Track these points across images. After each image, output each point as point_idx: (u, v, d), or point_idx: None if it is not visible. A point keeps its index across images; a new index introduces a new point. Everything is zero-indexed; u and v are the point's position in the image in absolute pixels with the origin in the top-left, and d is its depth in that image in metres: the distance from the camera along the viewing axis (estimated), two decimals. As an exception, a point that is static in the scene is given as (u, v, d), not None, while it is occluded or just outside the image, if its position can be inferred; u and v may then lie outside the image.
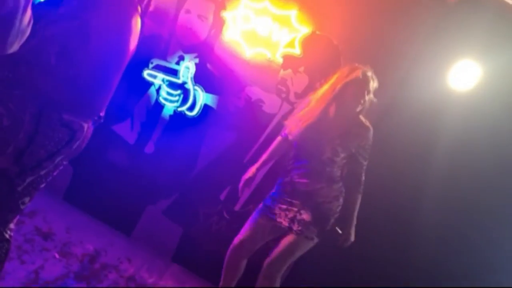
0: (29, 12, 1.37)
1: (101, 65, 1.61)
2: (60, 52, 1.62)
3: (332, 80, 2.79)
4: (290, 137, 2.85)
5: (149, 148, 3.72)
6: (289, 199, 2.81)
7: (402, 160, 3.28)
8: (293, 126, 2.83)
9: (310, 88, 3.34)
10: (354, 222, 2.86)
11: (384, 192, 3.28)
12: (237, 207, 3.58)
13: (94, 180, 3.79)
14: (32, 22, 1.62)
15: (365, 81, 2.70)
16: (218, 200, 3.62)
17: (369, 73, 2.72)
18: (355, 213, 2.85)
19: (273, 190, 2.93)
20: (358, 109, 2.73)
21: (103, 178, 3.78)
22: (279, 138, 3.00)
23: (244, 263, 2.91)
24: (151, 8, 3.43)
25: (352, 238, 2.86)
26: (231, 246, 2.90)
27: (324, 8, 3.39)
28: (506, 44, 3.11)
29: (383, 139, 3.05)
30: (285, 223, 2.77)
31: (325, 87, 2.82)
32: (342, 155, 2.74)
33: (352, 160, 2.80)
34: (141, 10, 1.76)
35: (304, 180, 2.77)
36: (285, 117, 3.32)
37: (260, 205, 2.93)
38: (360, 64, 2.78)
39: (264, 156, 2.99)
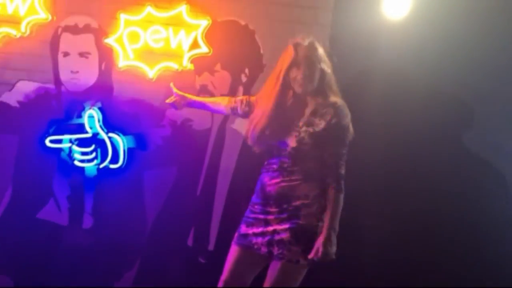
0: None
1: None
2: None
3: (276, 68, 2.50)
4: (249, 143, 2.53)
5: (87, 222, 3.29)
6: (263, 216, 2.44)
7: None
8: (248, 130, 2.51)
9: (237, 83, 3.20)
10: (334, 229, 2.30)
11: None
12: (211, 247, 3.21)
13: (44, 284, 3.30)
14: None
15: (304, 57, 2.38)
16: (186, 247, 3.19)
17: (306, 43, 2.40)
18: (336, 217, 2.30)
19: (247, 214, 2.54)
20: (310, 88, 2.39)
21: (52, 277, 3.27)
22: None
23: None
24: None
25: (330, 251, 2.27)
26: None
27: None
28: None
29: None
30: (264, 249, 2.39)
31: (270, 78, 2.52)
32: (310, 141, 2.36)
33: (324, 146, 2.38)
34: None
35: (276, 180, 2.41)
36: (222, 126, 3.16)
37: (236, 234, 2.55)
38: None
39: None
